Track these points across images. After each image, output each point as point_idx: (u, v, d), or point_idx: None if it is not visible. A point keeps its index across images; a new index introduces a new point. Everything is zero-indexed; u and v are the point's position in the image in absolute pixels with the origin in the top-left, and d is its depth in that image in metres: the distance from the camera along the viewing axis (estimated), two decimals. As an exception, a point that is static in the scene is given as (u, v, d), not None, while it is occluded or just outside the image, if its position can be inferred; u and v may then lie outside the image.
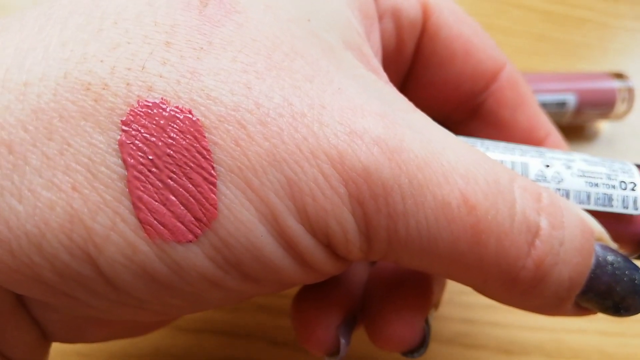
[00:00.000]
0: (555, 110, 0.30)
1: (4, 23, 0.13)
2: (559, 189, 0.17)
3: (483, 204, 0.13)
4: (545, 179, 0.17)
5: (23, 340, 0.14)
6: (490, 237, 0.14)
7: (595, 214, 0.16)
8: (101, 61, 0.12)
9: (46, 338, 0.15)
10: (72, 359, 0.23)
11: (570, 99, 0.31)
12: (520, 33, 0.38)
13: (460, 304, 0.26)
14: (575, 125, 0.34)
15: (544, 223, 0.14)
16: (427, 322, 0.18)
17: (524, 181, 0.15)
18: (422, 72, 0.21)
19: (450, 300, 0.26)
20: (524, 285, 0.14)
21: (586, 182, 0.17)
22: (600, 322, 0.27)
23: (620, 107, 0.31)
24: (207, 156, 0.12)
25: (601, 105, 0.31)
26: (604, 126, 0.35)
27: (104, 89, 0.12)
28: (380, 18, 0.18)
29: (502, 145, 0.18)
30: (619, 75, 0.32)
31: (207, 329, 0.24)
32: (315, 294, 0.18)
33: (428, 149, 0.13)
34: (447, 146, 0.14)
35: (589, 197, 0.17)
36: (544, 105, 0.30)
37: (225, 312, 0.25)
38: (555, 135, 0.22)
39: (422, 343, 0.17)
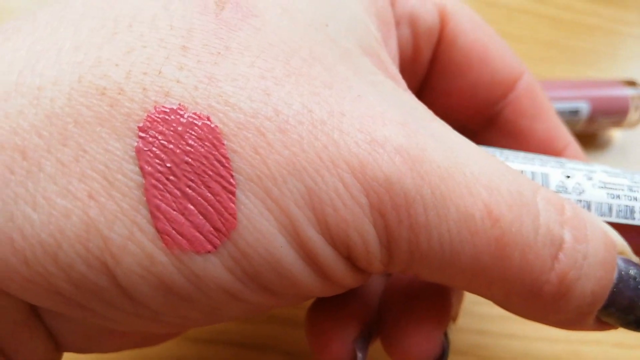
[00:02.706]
0: (567, 119, 0.30)
1: (16, 25, 0.13)
2: (580, 201, 0.17)
3: (507, 216, 0.13)
4: (566, 190, 0.17)
5: (36, 350, 0.14)
6: (515, 250, 0.13)
7: (616, 226, 0.16)
8: (116, 65, 0.12)
9: (59, 348, 0.15)
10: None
11: (583, 107, 0.30)
12: (529, 40, 0.38)
13: (475, 314, 0.26)
14: (587, 134, 0.33)
15: (567, 236, 0.14)
16: (446, 335, 0.17)
17: (547, 192, 0.14)
18: (439, 80, 0.21)
19: (464, 310, 0.26)
20: (547, 300, 0.14)
21: (608, 193, 0.17)
22: (616, 334, 0.26)
23: (633, 115, 0.31)
24: (226, 164, 0.12)
25: (614, 113, 0.31)
26: (616, 134, 0.34)
27: (119, 93, 0.12)
28: (397, 24, 0.18)
29: (521, 155, 0.18)
30: (632, 83, 0.32)
31: (219, 339, 0.24)
32: (331, 306, 0.18)
33: (450, 159, 0.13)
34: (470, 156, 0.14)
35: (610, 209, 0.17)
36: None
37: (238, 322, 0.24)
38: (574, 145, 0.22)
39: (442, 357, 0.17)
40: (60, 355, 0.15)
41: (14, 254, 0.11)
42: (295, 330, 0.24)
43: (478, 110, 0.21)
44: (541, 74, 0.36)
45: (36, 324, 0.14)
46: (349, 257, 0.13)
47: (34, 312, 0.14)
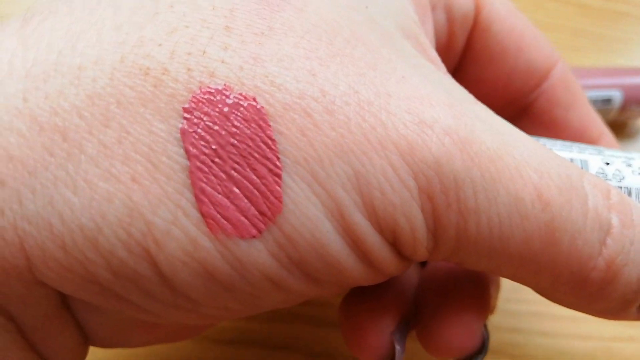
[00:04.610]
0: (600, 108, 0.30)
1: (51, 6, 0.13)
2: (620, 187, 0.17)
3: (557, 200, 0.13)
4: (606, 177, 0.17)
5: (65, 343, 0.14)
6: (564, 235, 0.13)
7: None
8: (159, 45, 0.12)
9: (87, 342, 0.15)
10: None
11: (616, 96, 0.30)
12: (557, 27, 0.38)
13: (507, 312, 0.26)
14: (617, 123, 0.33)
15: (615, 221, 0.14)
16: (485, 327, 0.17)
17: (592, 177, 0.14)
18: (472, 67, 0.21)
19: (496, 308, 0.26)
20: (593, 287, 0.14)
21: None
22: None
23: (667, 103, 0.31)
24: (273, 146, 0.12)
25: (648, 101, 0.31)
26: (647, 124, 0.34)
27: (163, 74, 0.12)
28: (433, 9, 0.18)
29: (559, 142, 0.18)
30: (666, 71, 0.31)
31: (241, 339, 0.24)
32: (366, 298, 0.18)
33: (499, 141, 0.13)
34: (517, 139, 0.14)
35: None
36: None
37: (260, 322, 0.24)
38: (608, 135, 0.22)
39: (482, 349, 0.17)
40: (87, 349, 0.15)
41: (52, 239, 0.11)
42: (319, 329, 0.24)
43: (511, 99, 0.21)
44: (570, 62, 0.36)
45: (67, 316, 0.14)
46: (394, 243, 0.13)
47: (65, 304, 0.14)
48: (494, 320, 0.26)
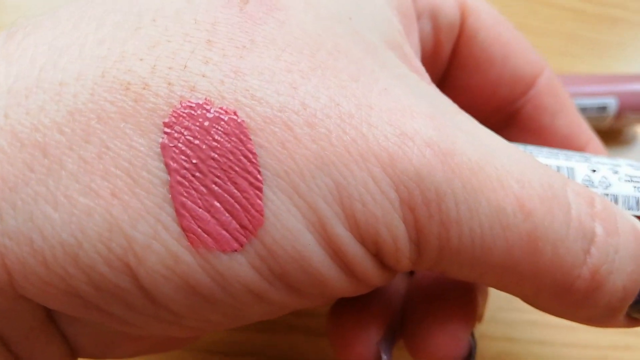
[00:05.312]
0: (595, 115, 0.30)
1: (36, 21, 0.13)
2: (607, 194, 0.17)
3: (539, 209, 0.13)
4: (592, 184, 0.17)
5: (51, 356, 0.14)
6: (547, 244, 0.13)
7: None
8: (141, 59, 0.12)
9: (73, 354, 0.15)
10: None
11: (612, 103, 0.30)
12: (552, 33, 0.38)
13: (503, 321, 0.26)
14: (612, 130, 0.33)
15: (599, 229, 0.14)
16: (472, 335, 0.18)
17: (576, 186, 0.15)
18: (458, 75, 0.21)
19: (492, 317, 0.26)
20: (578, 295, 0.14)
21: (634, 187, 0.17)
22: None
23: (662, 110, 0.31)
24: (253, 160, 0.12)
25: (643, 109, 0.31)
26: (642, 130, 0.34)
27: (144, 88, 0.12)
28: (418, 18, 0.18)
29: (545, 150, 0.18)
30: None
31: (237, 350, 0.24)
32: (353, 308, 0.18)
33: (480, 151, 0.13)
34: (498, 149, 0.14)
35: (637, 202, 0.17)
36: (584, 110, 0.30)
37: (256, 332, 0.24)
38: (596, 141, 0.22)
39: (469, 357, 0.17)
40: None
41: (32, 255, 0.11)
42: (315, 340, 0.25)
43: (498, 107, 0.22)
44: (564, 68, 0.36)
45: (51, 329, 0.14)
46: (377, 254, 0.13)
47: (50, 317, 0.14)
48: (490, 330, 0.26)
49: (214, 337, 0.24)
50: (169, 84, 0.12)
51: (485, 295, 0.19)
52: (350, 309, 0.18)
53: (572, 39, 0.38)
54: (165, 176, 0.12)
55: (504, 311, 0.26)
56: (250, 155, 0.12)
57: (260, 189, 0.12)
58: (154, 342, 0.16)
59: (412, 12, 0.18)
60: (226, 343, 0.24)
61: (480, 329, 0.23)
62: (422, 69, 0.16)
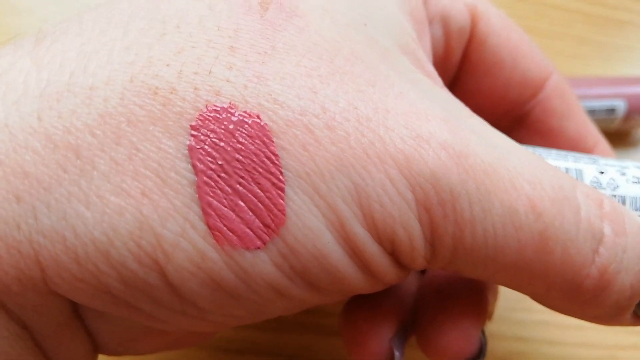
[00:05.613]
0: (603, 118, 0.31)
1: (62, 27, 0.14)
2: (614, 196, 0.17)
3: (550, 210, 0.14)
4: (600, 186, 0.17)
5: (75, 351, 0.15)
6: (557, 244, 0.14)
7: None
8: (167, 65, 0.13)
9: (96, 349, 0.16)
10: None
11: (620, 105, 0.31)
12: (560, 36, 0.39)
13: (513, 321, 0.27)
14: (620, 132, 0.34)
15: (607, 230, 0.15)
16: (483, 332, 0.18)
17: (585, 187, 0.15)
18: (468, 79, 0.21)
19: (502, 317, 0.26)
20: (587, 294, 0.15)
21: None
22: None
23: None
24: (276, 161, 0.12)
25: (652, 111, 0.31)
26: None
27: (171, 93, 0.12)
28: (430, 23, 0.19)
29: (554, 152, 0.19)
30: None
31: (251, 349, 0.24)
32: (366, 305, 0.18)
33: (493, 154, 0.14)
34: (510, 151, 0.15)
35: None
36: (592, 112, 0.30)
37: (268, 331, 0.25)
38: (603, 143, 0.23)
39: (479, 354, 0.18)
40: (96, 357, 0.16)
41: (65, 252, 0.12)
42: (326, 339, 0.25)
43: (507, 110, 0.22)
44: (573, 70, 0.37)
45: (77, 324, 0.14)
46: (393, 253, 0.14)
47: (76, 313, 0.14)
48: (500, 330, 0.26)
49: (227, 335, 0.25)
50: (195, 88, 0.12)
51: (495, 293, 0.20)
52: (363, 306, 0.19)
53: (581, 41, 0.39)
54: (193, 177, 0.12)
55: (514, 311, 0.27)
56: (273, 157, 0.12)
57: (282, 190, 0.12)
58: (175, 338, 0.17)
59: (424, 17, 0.18)
60: (238, 341, 0.25)
61: (491, 328, 0.23)
62: (435, 73, 0.17)
